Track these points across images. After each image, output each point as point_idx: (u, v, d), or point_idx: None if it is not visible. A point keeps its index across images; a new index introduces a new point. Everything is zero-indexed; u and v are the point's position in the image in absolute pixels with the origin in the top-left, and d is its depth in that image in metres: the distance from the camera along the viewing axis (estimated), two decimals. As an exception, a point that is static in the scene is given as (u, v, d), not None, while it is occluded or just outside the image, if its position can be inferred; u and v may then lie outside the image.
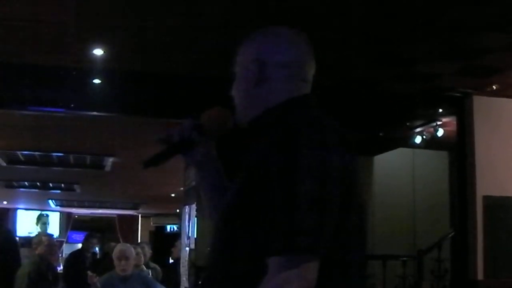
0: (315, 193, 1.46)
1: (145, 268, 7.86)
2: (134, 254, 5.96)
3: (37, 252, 7.31)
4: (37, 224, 18.56)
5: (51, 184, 14.74)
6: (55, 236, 14.24)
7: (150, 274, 7.87)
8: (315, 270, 1.45)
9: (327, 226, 1.47)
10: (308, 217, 1.44)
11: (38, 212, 19.21)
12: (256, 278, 1.50)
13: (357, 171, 1.63)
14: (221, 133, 1.90)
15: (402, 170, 9.29)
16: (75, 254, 10.13)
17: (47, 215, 19.33)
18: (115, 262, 5.68)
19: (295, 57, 1.78)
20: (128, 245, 6.19)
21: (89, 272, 6.36)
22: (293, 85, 1.77)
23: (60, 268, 10.57)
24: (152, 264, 9.02)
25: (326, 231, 1.47)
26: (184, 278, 8.15)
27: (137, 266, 6.54)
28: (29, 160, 11.11)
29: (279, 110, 1.73)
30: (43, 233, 10.69)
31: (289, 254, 1.44)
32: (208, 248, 1.76)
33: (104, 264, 7.89)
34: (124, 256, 5.66)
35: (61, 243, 18.03)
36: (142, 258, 7.76)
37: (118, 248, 5.89)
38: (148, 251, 9.31)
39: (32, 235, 11.93)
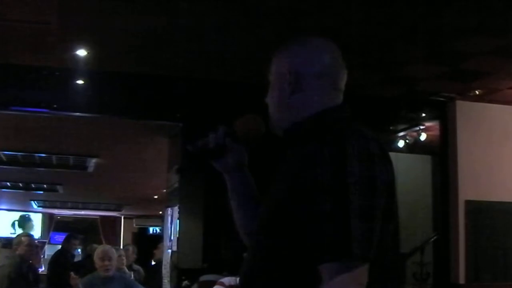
0: (365, 203, 1.56)
1: (127, 270, 7.82)
2: (116, 255, 5.95)
3: (17, 252, 7.26)
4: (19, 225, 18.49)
5: (33, 185, 14.63)
6: (36, 237, 14.13)
7: (133, 276, 7.83)
8: (366, 274, 1.56)
9: (374, 233, 1.57)
10: (359, 225, 1.54)
11: (20, 213, 19.11)
12: (300, 285, 1.61)
13: (394, 180, 1.71)
14: (254, 141, 1.93)
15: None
16: (58, 254, 10.04)
17: (29, 216, 19.25)
18: (98, 262, 5.66)
19: (329, 67, 1.83)
20: (110, 246, 6.17)
21: (72, 274, 6.33)
22: (326, 94, 1.82)
23: (42, 269, 10.50)
24: (136, 266, 8.97)
25: (374, 238, 1.57)
26: (166, 280, 8.11)
27: (119, 269, 6.51)
28: (12, 161, 11.02)
29: (318, 120, 1.77)
30: (23, 234, 10.58)
31: (344, 260, 1.53)
32: (245, 255, 1.83)
33: (86, 265, 7.82)
34: (107, 256, 5.65)
35: (43, 244, 17.91)
36: (124, 261, 7.72)
37: (101, 248, 5.88)
38: (132, 253, 9.26)
39: (14, 235, 11.83)
